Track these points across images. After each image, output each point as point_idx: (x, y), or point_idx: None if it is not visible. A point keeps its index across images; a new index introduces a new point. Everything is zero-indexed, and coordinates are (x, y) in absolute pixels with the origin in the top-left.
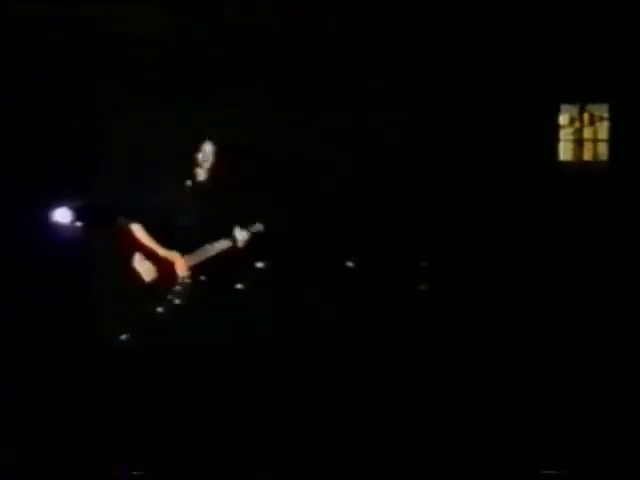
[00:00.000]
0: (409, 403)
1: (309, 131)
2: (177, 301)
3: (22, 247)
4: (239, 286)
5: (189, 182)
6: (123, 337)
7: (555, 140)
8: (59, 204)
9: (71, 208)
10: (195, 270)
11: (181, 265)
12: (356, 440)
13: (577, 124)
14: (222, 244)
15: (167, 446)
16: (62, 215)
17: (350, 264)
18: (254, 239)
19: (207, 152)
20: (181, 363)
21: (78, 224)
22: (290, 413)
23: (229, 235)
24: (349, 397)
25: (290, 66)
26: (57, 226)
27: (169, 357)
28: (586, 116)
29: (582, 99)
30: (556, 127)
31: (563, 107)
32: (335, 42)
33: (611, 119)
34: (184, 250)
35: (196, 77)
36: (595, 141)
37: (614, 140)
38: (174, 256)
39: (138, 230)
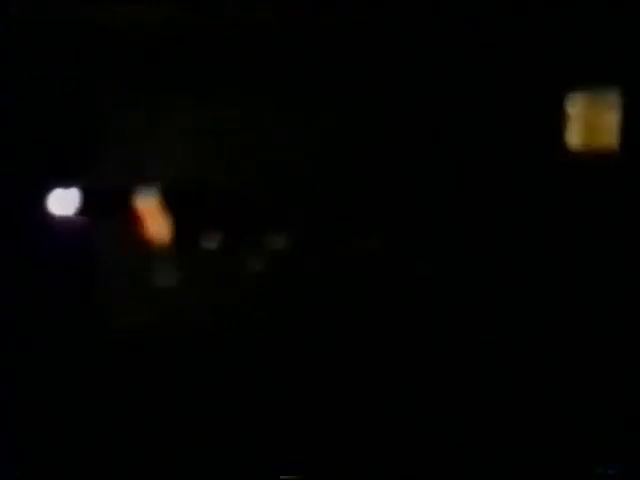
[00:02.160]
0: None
1: (309, 131)
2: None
3: (19, 229)
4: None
5: None
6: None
7: (563, 127)
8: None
9: (70, 190)
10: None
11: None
12: (369, 437)
13: (587, 111)
14: None
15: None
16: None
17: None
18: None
19: None
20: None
21: (78, 206)
22: (293, 407)
23: None
24: (354, 391)
25: (291, 66)
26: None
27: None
28: (596, 103)
29: (592, 85)
30: (564, 114)
31: (572, 94)
32: (335, 42)
33: (623, 106)
34: None
35: (196, 76)
36: (605, 129)
37: (625, 128)
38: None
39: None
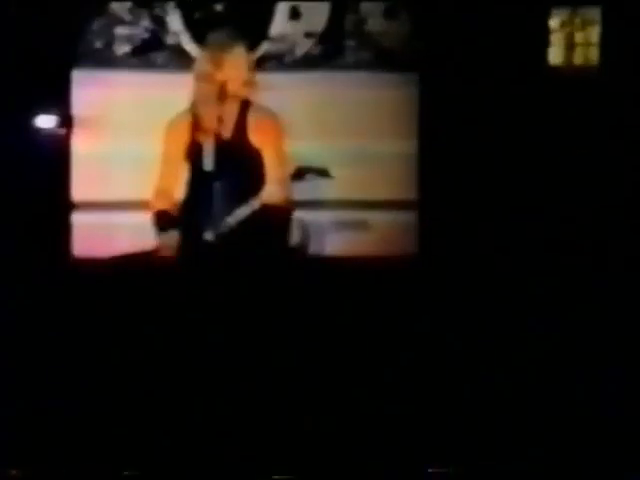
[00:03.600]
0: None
1: None
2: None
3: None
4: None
5: None
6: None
7: (545, 44)
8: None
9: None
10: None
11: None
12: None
13: (568, 28)
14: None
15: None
16: (44, 121)
17: None
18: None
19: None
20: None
21: (60, 130)
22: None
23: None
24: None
25: None
26: (39, 131)
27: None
28: (577, 20)
29: (573, 2)
30: (547, 31)
31: (554, 10)
32: None
33: (603, 23)
34: None
35: None
36: (586, 45)
37: (606, 44)
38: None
39: None
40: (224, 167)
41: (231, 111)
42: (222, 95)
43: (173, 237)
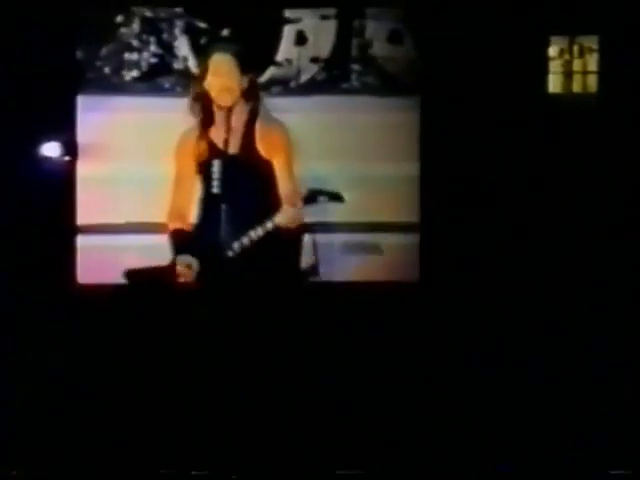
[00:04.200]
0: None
1: None
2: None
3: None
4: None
5: None
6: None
7: (544, 72)
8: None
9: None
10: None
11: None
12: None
13: (566, 56)
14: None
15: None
16: (51, 149)
17: None
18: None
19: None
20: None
21: (66, 158)
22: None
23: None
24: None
25: None
26: (45, 159)
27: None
28: (576, 48)
29: (572, 31)
30: (545, 59)
31: (552, 39)
32: None
33: (601, 51)
34: None
35: None
36: (585, 73)
37: (604, 72)
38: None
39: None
40: (234, 185)
41: (238, 123)
42: (207, 104)
43: (189, 261)
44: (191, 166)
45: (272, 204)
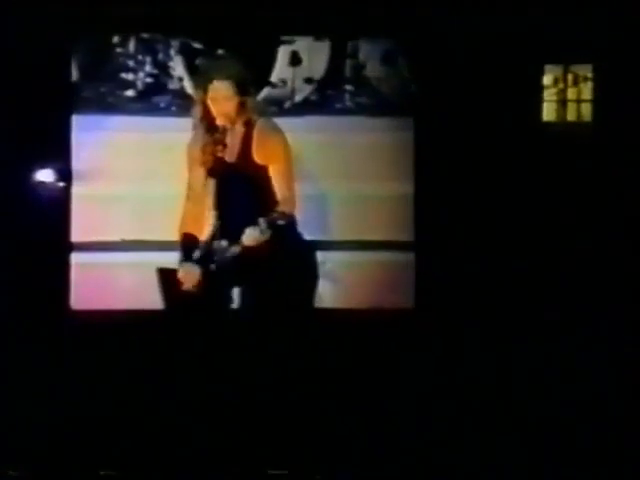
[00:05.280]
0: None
1: None
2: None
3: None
4: None
5: None
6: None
7: (539, 101)
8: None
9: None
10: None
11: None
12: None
13: (561, 84)
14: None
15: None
16: (45, 175)
17: None
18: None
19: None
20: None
21: (60, 184)
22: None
23: None
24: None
25: None
26: (39, 185)
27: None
28: (570, 76)
29: (566, 59)
30: (540, 88)
31: (547, 67)
32: None
33: (595, 79)
34: None
35: None
36: (579, 102)
37: (598, 101)
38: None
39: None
40: (232, 194)
41: (234, 134)
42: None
43: (193, 270)
44: (200, 174)
45: (269, 206)
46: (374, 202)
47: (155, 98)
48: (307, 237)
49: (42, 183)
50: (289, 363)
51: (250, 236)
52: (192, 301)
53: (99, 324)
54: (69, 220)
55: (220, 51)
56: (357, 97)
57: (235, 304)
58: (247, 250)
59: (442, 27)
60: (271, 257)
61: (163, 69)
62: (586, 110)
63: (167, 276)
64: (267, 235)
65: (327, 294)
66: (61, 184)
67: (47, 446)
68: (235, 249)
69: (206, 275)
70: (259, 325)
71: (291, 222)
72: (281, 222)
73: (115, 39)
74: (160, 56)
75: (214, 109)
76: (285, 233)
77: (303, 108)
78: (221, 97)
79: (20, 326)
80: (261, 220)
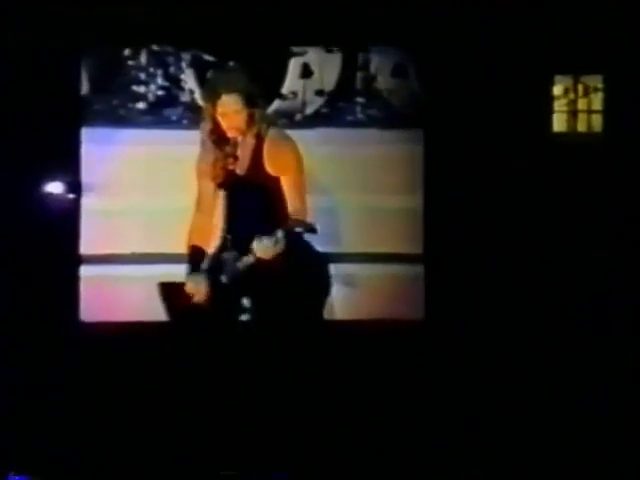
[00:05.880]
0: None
1: None
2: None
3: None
4: None
5: None
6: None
7: (549, 111)
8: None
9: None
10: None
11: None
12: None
13: (571, 95)
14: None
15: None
16: (55, 188)
17: None
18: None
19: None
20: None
21: (70, 197)
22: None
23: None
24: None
25: None
26: (49, 198)
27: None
28: (580, 87)
29: (576, 70)
30: (550, 98)
31: (557, 78)
32: None
33: (605, 90)
34: None
35: None
36: (589, 112)
37: (608, 111)
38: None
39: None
40: (242, 207)
41: (245, 146)
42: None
43: (200, 282)
44: (209, 186)
45: (279, 224)
46: (384, 214)
47: (166, 111)
48: (317, 249)
49: (52, 195)
50: (299, 375)
51: (263, 247)
52: (200, 313)
53: (108, 336)
54: (78, 233)
55: (231, 63)
56: (368, 109)
57: (245, 316)
58: (259, 262)
59: (452, 39)
60: (284, 269)
61: (174, 82)
62: (596, 121)
63: (169, 290)
64: (281, 246)
65: (337, 306)
66: (71, 197)
67: (54, 456)
68: (248, 260)
69: (216, 287)
70: (269, 337)
71: (310, 230)
72: (299, 229)
73: (126, 52)
74: (171, 69)
75: (224, 123)
76: (297, 245)
77: (314, 120)
78: (231, 111)
79: (30, 337)
80: (279, 231)
